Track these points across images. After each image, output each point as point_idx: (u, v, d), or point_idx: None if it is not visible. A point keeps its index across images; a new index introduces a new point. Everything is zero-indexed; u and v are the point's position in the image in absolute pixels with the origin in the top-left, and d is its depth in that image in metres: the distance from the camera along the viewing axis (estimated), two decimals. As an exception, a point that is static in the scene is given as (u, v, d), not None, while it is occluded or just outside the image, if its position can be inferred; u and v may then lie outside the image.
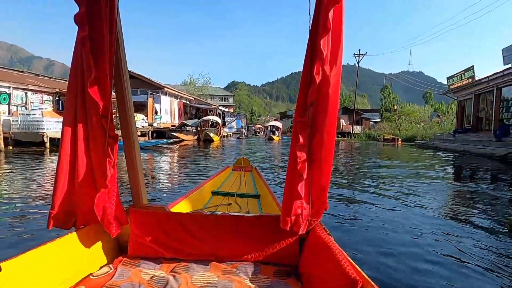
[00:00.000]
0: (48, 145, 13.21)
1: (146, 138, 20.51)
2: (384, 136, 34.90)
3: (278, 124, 44.06)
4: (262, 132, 57.50)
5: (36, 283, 1.34)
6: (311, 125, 1.54)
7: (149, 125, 24.05)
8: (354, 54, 41.71)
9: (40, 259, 1.38)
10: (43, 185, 6.15)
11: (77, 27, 1.53)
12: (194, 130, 26.90)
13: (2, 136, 11.67)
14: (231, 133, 43.75)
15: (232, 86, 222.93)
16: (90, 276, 1.59)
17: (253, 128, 66.06)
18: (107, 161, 1.62)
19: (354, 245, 3.13)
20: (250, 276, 1.62)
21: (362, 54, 41.43)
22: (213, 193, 3.33)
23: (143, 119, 22.42)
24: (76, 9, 1.50)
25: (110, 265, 1.70)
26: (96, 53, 1.55)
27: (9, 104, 14.46)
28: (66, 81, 22.18)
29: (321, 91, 1.48)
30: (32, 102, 15.50)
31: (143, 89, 27.12)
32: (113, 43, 1.60)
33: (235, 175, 4.04)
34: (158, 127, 24.17)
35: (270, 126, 43.15)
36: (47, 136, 13.20)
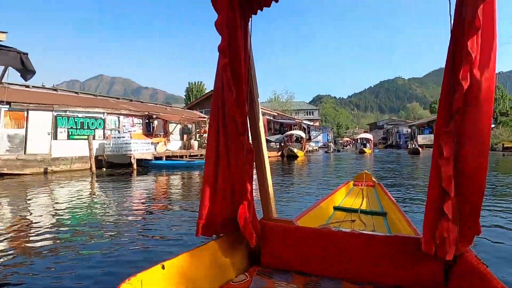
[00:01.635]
0: (135, 166, 13.62)
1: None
2: (503, 144, 29.66)
3: (369, 136, 41.82)
4: (351, 145, 55.24)
5: (189, 282, 1.49)
6: (458, 136, 1.37)
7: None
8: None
9: (191, 261, 1.56)
10: (126, 205, 6.38)
11: (217, 56, 1.70)
12: (277, 146, 26.04)
13: (93, 159, 12.32)
14: (317, 148, 42.10)
15: (317, 100, 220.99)
16: (230, 282, 1.69)
17: (340, 141, 64.40)
18: (246, 175, 1.74)
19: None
20: None
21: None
22: (335, 208, 3.27)
23: (226, 137, 22.52)
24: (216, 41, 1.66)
25: (246, 274, 1.79)
26: (235, 77, 1.69)
27: (104, 128, 15.56)
28: (156, 104, 23.88)
29: (469, 98, 1.32)
30: (124, 126, 16.49)
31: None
32: (247, 68, 1.79)
33: (356, 191, 3.90)
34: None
35: (360, 138, 41.32)
36: (134, 158, 13.64)
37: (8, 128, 12.01)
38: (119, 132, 15.88)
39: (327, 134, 60.82)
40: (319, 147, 44.31)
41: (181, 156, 16.99)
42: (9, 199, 7.36)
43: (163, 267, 1.39)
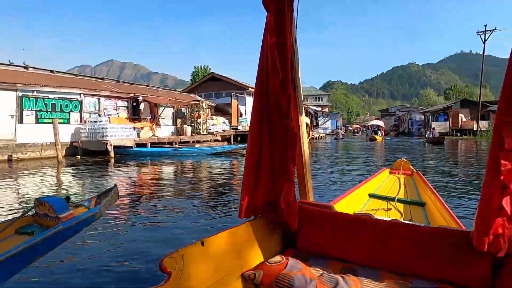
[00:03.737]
0: (112, 154, 12.10)
1: (226, 143, 18.59)
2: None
3: (380, 123, 40.80)
4: (361, 132, 54.18)
5: (226, 259, 1.56)
6: None
7: (233, 128, 22.40)
8: (479, 32, 33.49)
9: (229, 240, 1.61)
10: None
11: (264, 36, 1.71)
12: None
13: (59, 146, 10.76)
14: (324, 134, 40.32)
15: (327, 86, 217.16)
16: (266, 262, 1.68)
17: (350, 128, 63.52)
18: (289, 158, 1.74)
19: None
20: None
21: (490, 30, 32.93)
22: (370, 195, 3.20)
23: (223, 122, 20.77)
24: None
25: (282, 256, 1.76)
26: (281, 58, 1.67)
27: (81, 111, 13.94)
28: (147, 86, 22.22)
29: None
30: (106, 109, 14.87)
31: (227, 91, 25.84)
32: (291, 48, 1.76)
33: (392, 179, 3.79)
34: (244, 130, 22.14)
35: (371, 125, 40.39)
36: (111, 145, 12.10)
37: (-38, 109, 10.54)
38: (99, 115, 14.31)
39: (336, 121, 58.96)
40: (326, 134, 42.56)
41: (170, 143, 15.42)
42: None
43: (202, 244, 1.44)
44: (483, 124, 33.21)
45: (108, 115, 14.36)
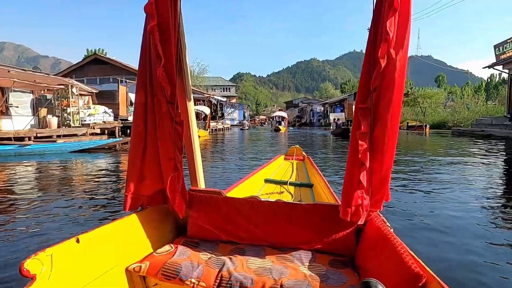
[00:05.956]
0: None
1: (106, 137, 15.45)
2: (407, 122, 30.40)
3: (284, 114, 42.10)
4: (267, 123, 55.42)
5: (108, 254, 1.44)
6: (374, 111, 1.46)
7: (121, 119, 19.16)
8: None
9: (111, 234, 1.50)
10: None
11: (143, 19, 1.63)
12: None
13: None
14: (229, 125, 39.26)
15: (237, 78, 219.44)
16: (154, 253, 1.64)
17: (257, 118, 64.82)
18: (175, 146, 1.70)
19: (412, 240, 2.97)
20: (304, 264, 1.59)
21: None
22: (266, 181, 3.35)
23: (105, 112, 17.38)
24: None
25: (171, 244, 1.74)
26: (163, 42, 1.61)
27: None
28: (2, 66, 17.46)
29: (385, 76, 1.40)
30: None
31: (115, 76, 22.26)
32: (176, 33, 1.68)
33: (287, 164, 4.02)
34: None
35: (276, 116, 41.16)
36: None
37: None
38: None
39: (244, 112, 58.68)
40: (231, 125, 41.64)
41: (21, 139, 11.84)
42: None
43: (77, 241, 1.31)
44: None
45: None
